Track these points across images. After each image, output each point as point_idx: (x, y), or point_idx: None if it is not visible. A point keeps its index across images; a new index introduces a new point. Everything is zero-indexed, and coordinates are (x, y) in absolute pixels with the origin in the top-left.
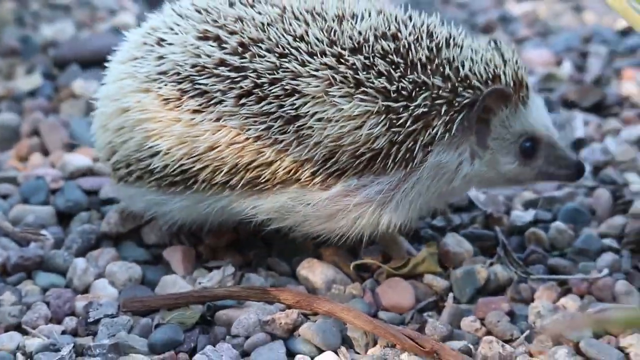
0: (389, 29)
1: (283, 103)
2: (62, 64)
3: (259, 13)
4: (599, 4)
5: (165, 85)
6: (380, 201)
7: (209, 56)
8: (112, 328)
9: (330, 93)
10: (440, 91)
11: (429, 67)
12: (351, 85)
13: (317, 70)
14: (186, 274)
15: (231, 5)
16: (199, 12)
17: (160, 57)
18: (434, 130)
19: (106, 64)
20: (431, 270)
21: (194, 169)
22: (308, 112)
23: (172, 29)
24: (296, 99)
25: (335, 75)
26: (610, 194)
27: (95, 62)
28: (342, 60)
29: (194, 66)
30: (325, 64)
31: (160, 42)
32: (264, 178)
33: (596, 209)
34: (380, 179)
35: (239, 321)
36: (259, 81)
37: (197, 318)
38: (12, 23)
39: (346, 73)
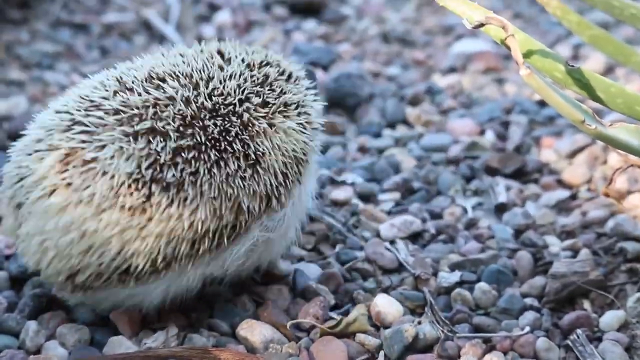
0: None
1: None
2: (15, 137)
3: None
4: (518, 77)
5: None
6: None
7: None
8: None
9: None
10: None
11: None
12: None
13: None
14: (132, 335)
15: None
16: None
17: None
18: None
19: None
20: (363, 329)
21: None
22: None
23: None
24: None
25: None
26: (531, 256)
27: None
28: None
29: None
30: None
31: None
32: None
33: (518, 270)
34: None
35: None
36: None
37: None
38: None
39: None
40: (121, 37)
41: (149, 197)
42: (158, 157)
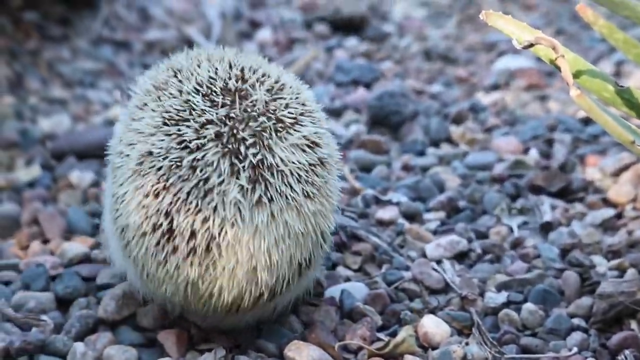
0: None
1: None
2: (59, 155)
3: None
4: (562, 94)
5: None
6: None
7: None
8: None
9: None
10: None
11: None
12: None
13: None
14: (179, 356)
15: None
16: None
17: None
18: None
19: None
20: (410, 351)
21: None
22: None
23: None
24: None
25: None
26: (578, 275)
27: (90, 154)
28: None
29: None
30: None
31: None
32: None
33: (565, 290)
34: None
35: None
36: None
37: None
38: (12, 117)
39: None
40: (163, 54)
41: None
42: None
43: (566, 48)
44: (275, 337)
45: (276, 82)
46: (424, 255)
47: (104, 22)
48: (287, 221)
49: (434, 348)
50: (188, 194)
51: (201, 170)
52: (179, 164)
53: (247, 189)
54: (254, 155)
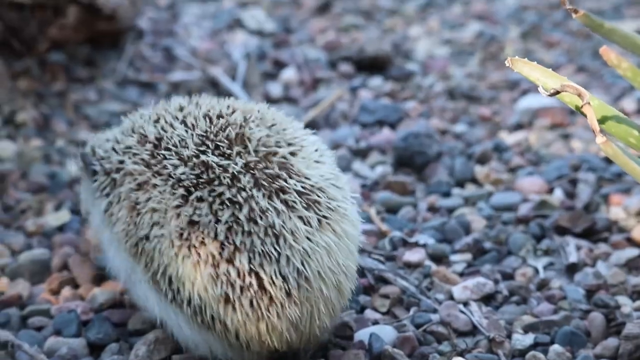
0: None
1: None
2: None
3: None
4: (585, 132)
5: None
6: None
7: None
8: None
9: None
10: None
11: None
12: None
13: None
14: None
15: None
16: None
17: None
18: None
19: None
20: None
21: None
22: None
23: None
24: None
25: None
26: (604, 317)
27: None
28: None
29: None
30: None
31: None
32: None
33: (591, 332)
34: None
35: None
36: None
37: None
38: (40, 160)
39: None
40: (188, 95)
41: None
42: None
43: (591, 94)
44: None
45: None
46: (451, 297)
47: (129, 63)
48: (347, 235)
49: None
50: (262, 244)
51: (261, 219)
52: (237, 221)
53: (306, 218)
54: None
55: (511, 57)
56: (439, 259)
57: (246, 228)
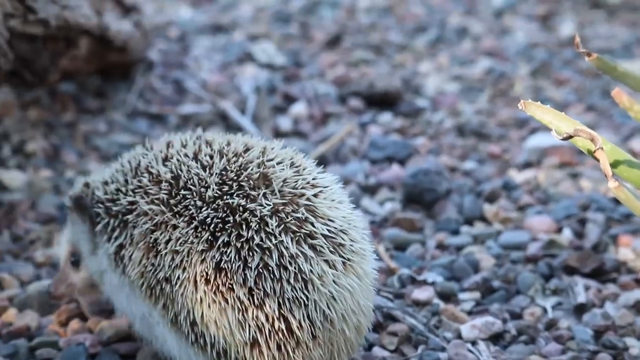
0: None
1: None
2: None
3: None
4: (594, 172)
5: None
6: None
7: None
8: None
9: None
10: None
11: None
12: None
13: None
14: None
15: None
16: None
17: None
18: None
19: None
20: None
21: None
22: None
23: None
24: None
25: None
26: (612, 358)
27: None
28: None
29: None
30: None
31: None
32: None
33: None
34: None
35: None
36: None
37: None
38: (49, 191)
39: None
40: (198, 127)
41: None
42: None
43: (602, 135)
44: None
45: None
46: (459, 336)
47: (139, 95)
48: (367, 275)
49: None
50: (292, 289)
51: (291, 265)
52: (267, 267)
53: (332, 261)
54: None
55: (521, 94)
56: (447, 297)
57: (276, 274)
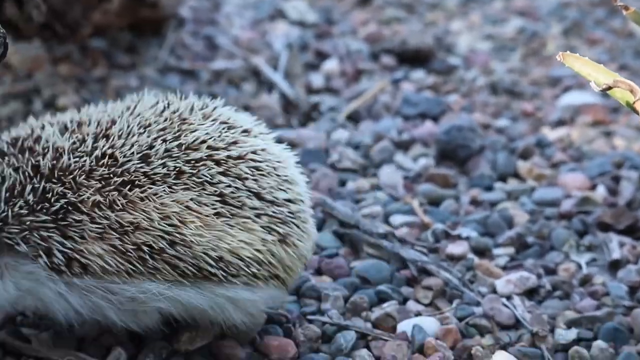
0: None
1: None
2: None
3: None
4: (627, 130)
5: None
6: None
7: None
8: None
9: None
10: None
11: None
12: None
13: None
14: None
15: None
16: None
17: None
18: None
19: None
20: None
21: None
22: None
23: None
24: None
25: None
26: None
27: None
28: None
29: None
30: None
31: None
32: None
33: (634, 328)
34: None
35: None
36: None
37: None
38: None
39: None
40: (230, 84)
41: None
42: None
43: None
44: None
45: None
46: (494, 291)
47: (170, 51)
48: None
49: None
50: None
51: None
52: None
53: None
54: None
55: (553, 53)
56: (481, 252)
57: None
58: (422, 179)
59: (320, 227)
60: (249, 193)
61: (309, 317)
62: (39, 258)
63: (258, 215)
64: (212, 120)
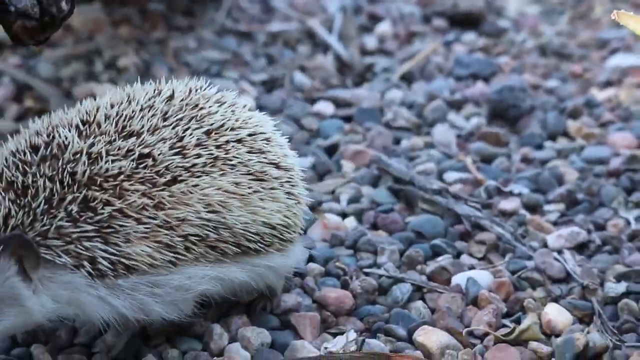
0: None
1: None
2: None
3: None
4: None
5: None
6: None
7: None
8: None
9: None
10: None
11: None
12: None
13: None
14: (312, 339)
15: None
16: None
17: None
18: None
19: None
20: (535, 338)
21: None
22: None
23: None
24: None
25: None
26: None
27: None
28: None
29: None
30: None
31: None
32: None
33: None
34: None
35: None
36: None
37: None
38: None
39: None
40: (286, 45)
41: None
42: None
43: None
44: (404, 322)
45: None
46: (545, 245)
47: (227, 14)
48: None
49: (557, 335)
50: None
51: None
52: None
53: None
54: None
55: (601, 17)
56: (533, 208)
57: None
58: (474, 137)
59: (375, 184)
60: (271, 165)
61: (366, 270)
62: (81, 268)
63: (281, 184)
64: (216, 102)
